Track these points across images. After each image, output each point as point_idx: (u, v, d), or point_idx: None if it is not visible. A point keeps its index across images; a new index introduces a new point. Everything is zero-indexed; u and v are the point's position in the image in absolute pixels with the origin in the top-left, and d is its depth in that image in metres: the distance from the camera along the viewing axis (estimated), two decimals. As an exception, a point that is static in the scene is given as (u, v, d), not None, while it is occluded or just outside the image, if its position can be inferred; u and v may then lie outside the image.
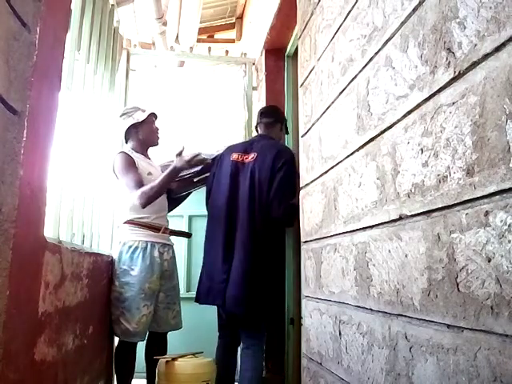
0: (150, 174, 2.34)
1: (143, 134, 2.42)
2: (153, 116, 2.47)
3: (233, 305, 2.09)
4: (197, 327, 3.09)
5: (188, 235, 2.77)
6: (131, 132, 2.42)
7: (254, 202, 2.14)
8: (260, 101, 3.17)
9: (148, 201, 2.19)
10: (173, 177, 2.28)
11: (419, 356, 0.89)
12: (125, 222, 2.29)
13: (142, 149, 2.45)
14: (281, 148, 2.30)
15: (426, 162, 0.89)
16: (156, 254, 2.28)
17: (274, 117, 2.45)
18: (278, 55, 3.05)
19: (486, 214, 0.71)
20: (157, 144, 2.51)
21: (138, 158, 2.36)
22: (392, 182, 1.03)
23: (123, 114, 2.43)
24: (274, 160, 2.16)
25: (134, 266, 2.20)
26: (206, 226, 2.35)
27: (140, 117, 2.39)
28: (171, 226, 2.48)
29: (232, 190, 2.22)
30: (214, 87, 4.07)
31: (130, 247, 2.23)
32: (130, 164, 2.28)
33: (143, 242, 2.25)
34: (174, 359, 2.08)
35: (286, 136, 2.71)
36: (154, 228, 2.31)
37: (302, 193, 1.80)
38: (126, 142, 2.47)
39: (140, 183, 2.23)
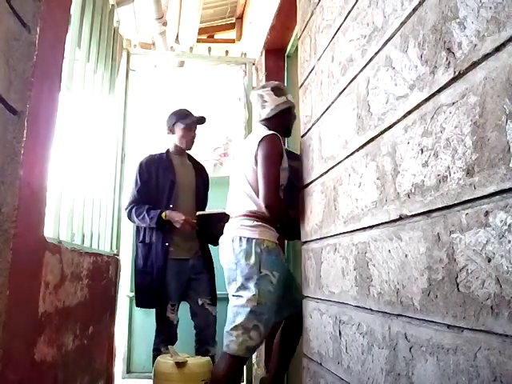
0: None
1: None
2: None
3: None
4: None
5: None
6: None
7: None
8: (260, 101, 3.16)
9: (276, 218, 1.91)
10: None
11: (419, 356, 0.89)
12: (259, 217, 1.90)
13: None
14: None
15: (426, 162, 0.89)
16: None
17: None
18: (278, 55, 3.06)
19: (486, 214, 0.71)
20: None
21: None
22: (392, 182, 1.03)
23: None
24: None
25: (275, 271, 1.87)
26: None
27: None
28: None
29: None
30: (214, 87, 4.07)
31: (268, 248, 1.88)
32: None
33: (277, 245, 1.94)
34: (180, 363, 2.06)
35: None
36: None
37: (301, 193, 1.80)
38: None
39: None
